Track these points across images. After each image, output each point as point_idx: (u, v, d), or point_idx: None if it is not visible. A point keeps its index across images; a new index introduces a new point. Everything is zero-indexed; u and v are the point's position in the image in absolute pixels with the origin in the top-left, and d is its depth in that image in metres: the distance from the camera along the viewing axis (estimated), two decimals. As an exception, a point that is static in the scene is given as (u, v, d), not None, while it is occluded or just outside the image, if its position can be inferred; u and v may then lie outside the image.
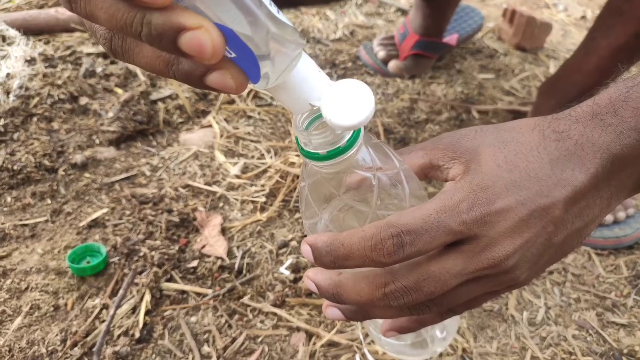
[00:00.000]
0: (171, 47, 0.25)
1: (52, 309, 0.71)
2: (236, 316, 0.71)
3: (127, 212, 0.85)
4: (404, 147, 0.40)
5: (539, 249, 0.34)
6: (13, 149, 0.94)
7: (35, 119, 1.00)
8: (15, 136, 0.97)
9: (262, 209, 0.87)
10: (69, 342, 0.67)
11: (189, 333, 0.69)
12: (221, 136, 1.02)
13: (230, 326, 0.70)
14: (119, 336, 0.68)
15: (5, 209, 0.87)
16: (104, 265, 0.76)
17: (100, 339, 0.67)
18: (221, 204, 0.88)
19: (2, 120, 0.98)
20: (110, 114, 1.03)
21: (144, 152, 0.99)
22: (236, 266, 0.77)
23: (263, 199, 0.88)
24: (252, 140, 1.02)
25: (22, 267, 0.77)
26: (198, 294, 0.74)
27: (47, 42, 1.19)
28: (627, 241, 0.81)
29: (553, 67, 1.29)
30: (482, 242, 0.33)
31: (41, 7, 1.32)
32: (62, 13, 1.23)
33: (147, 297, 0.72)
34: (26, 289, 0.74)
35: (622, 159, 0.34)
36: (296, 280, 0.75)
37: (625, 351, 0.68)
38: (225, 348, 0.67)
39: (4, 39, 1.17)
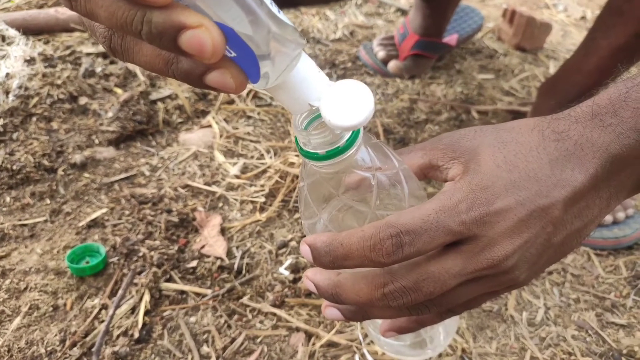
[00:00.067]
0: (171, 46, 0.25)
1: (51, 309, 0.71)
2: (235, 316, 0.71)
3: (127, 212, 0.85)
4: (403, 147, 0.40)
5: (538, 249, 0.34)
6: (12, 148, 0.94)
7: (34, 118, 1.00)
8: (14, 136, 0.97)
9: (262, 209, 0.87)
10: (68, 342, 0.67)
11: (188, 333, 0.69)
12: (221, 136, 1.02)
13: (229, 326, 0.70)
14: (118, 336, 0.68)
15: (4, 209, 0.86)
16: (103, 266, 0.76)
17: (99, 339, 0.66)
18: (220, 204, 0.88)
19: (2, 120, 0.98)
20: (110, 114, 1.03)
21: (143, 152, 0.99)
22: (235, 266, 0.77)
23: (262, 199, 0.88)
24: (251, 141, 1.01)
25: (21, 267, 0.77)
26: (197, 294, 0.74)
27: (46, 42, 1.19)
28: (627, 242, 0.81)
29: (553, 68, 1.29)
30: (482, 242, 0.33)
31: (41, 7, 1.32)
32: (62, 13, 1.23)
33: (147, 297, 0.72)
34: (25, 289, 0.74)
35: (622, 160, 0.34)
36: (295, 281, 0.75)
37: (624, 352, 0.67)
38: (224, 348, 0.67)
39: (3, 38, 1.17)
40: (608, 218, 0.82)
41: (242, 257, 0.79)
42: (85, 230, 0.83)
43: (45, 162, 0.93)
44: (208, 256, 0.79)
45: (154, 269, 0.75)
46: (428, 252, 0.33)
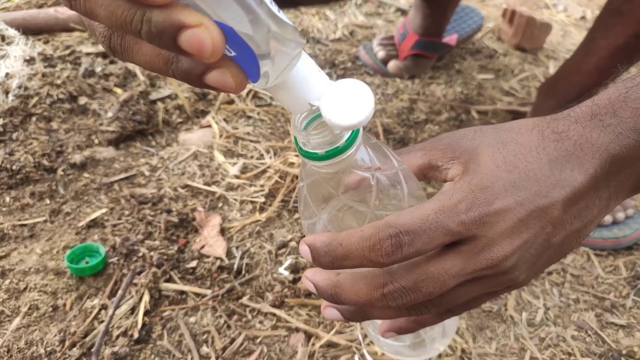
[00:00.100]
0: (171, 45, 0.25)
1: (50, 309, 0.71)
2: (235, 317, 0.71)
3: (126, 212, 0.85)
4: (403, 147, 0.40)
5: (538, 249, 0.34)
6: (12, 148, 0.94)
7: (34, 118, 1.00)
8: (14, 136, 0.97)
9: (262, 209, 0.87)
10: (67, 343, 0.67)
11: (187, 333, 0.69)
12: (220, 136, 1.02)
13: (229, 327, 0.70)
14: (117, 337, 0.68)
15: (4, 209, 0.86)
16: (102, 266, 0.76)
17: (99, 340, 0.66)
18: (220, 204, 0.88)
19: (1, 120, 0.98)
20: (110, 114, 1.03)
21: (143, 152, 0.99)
22: (235, 266, 0.77)
23: (262, 199, 0.88)
24: (251, 141, 1.01)
25: (20, 267, 0.77)
26: (197, 295, 0.74)
27: (46, 42, 1.19)
28: (626, 242, 0.81)
29: (552, 68, 1.29)
30: (481, 242, 0.33)
31: (40, 6, 1.32)
32: (62, 12, 1.23)
33: (146, 297, 0.72)
34: (25, 289, 0.74)
35: (621, 160, 0.34)
36: (295, 281, 0.75)
37: (624, 352, 0.67)
38: (224, 348, 0.67)
39: (3, 38, 1.17)
40: (608, 218, 0.82)
41: (241, 258, 0.79)
42: (84, 231, 0.83)
43: (45, 162, 0.93)
44: (208, 256, 0.79)
45: (154, 269, 0.75)
46: (427, 252, 0.33)
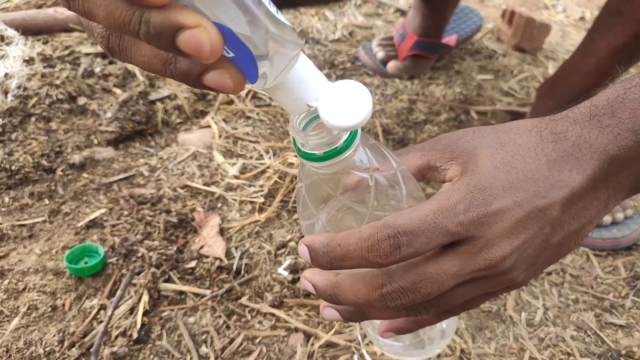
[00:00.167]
0: (169, 46, 0.25)
1: (49, 309, 0.71)
2: (234, 317, 0.71)
3: (125, 213, 0.85)
4: (402, 147, 0.40)
5: (536, 250, 0.34)
6: (11, 149, 0.94)
7: (33, 119, 1.00)
8: (13, 136, 0.97)
9: (261, 210, 0.87)
10: (66, 343, 0.67)
11: (187, 334, 0.69)
12: (220, 136, 1.02)
13: (228, 327, 0.70)
14: (116, 337, 0.68)
15: (3, 209, 0.86)
16: (101, 266, 0.76)
17: (98, 340, 0.66)
18: (220, 205, 0.88)
19: (0, 120, 0.98)
20: (109, 114, 1.03)
21: (142, 152, 0.99)
22: (234, 267, 0.77)
23: (261, 200, 0.88)
24: (250, 141, 1.01)
25: (19, 267, 0.77)
26: (196, 295, 0.74)
27: (45, 42, 1.19)
28: (626, 242, 0.81)
29: (552, 68, 1.29)
30: (479, 243, 0.33)
31: (40, 6, 1.32)
32: (61, 13, 1.23)
33: (145, 297, 0.72)
34: (24, 289, 0.74)
35: (620, 161, 0.34)
36: (294, 281, 0.75)
37: (623, 352, 0.68)
38: (223, 349, 0.67)
39: (2, 38, 1.17)
40: (607, 219, 0.82)
41: (241, 258, 0.79)
42: (84, 231, 0.83)
43: (44, 163, 0.93)
44: (207, 256, 0.79)
45: (153, 269, 0.75)
46: (426, 252, 0.33)
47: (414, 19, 1.19)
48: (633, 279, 0.77)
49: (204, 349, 0.67)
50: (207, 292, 0.74)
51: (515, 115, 1.10)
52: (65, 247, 0.80)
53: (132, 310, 0.71)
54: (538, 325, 0.71)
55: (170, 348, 0.67)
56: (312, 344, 0.67)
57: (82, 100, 1.06)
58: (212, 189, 0.90)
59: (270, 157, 0.97)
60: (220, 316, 0.71)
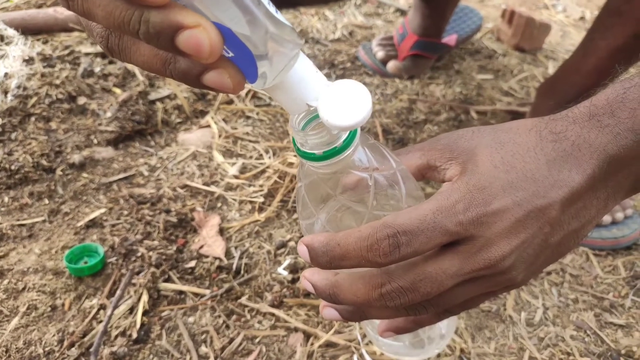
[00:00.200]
0: (169, 46, 0.25)
1: (49, 309, 0.71)
2: (234, 316, 0.71)
3: (125, 212, 0.85)
4: (402, 147, 0.40)
5: (536, 249, 0.34)
6: (11, 148, 0.94)
7: (33, 118, 1.00)
8: (13, 136, 0.97)
9: (260, 209, 0.87)
10: (66, 343, 0.67)
11: (186, 333, 0.69)
12: (219, 136, 1.02)
13: (227, 327, 0.70)
14: (116, 336, 0.68)
15: (2, 208, 0.86)
16: (101, 266, 0.76)
17: (97, 340, 0.66)
18: (219, 204, 0.88)
19: (0, 120, 0.98)
20: (109, 114, 1.03)
21: (142, 152, 0.99)
22: (234, 266, 0.77)
23: (261, 199, 0.88)
24: (250, 141, 1.01)
25: (19, 267, 0.77)
26: (196, 295, 0.74)
27: (45, 42, 1.19)
28: (625, 242, 0.81)
29: (552, 68, 1.29)
30: (479, 242, 0.33)
31: (40, 6, 1.32)
32: (61, 13, 1.23)
33: (145, 297, 0.72)
34: (23, 289, 0.74)
35: (619, 160, 0.34)
36: (294, 281, 0.75)
37: (622, 352, 0.68)
38: (222, 348, 0.67)
39: (2, 38, 1.17)
40: (607, 218, 0.82)
41: (240, 257, 0.79)
42: (83, 231, 0.83)
43: (44, 162, 0.93)
44: (206, 256, 0.79)
45: (153, 269, 0.75)
46: (425, 252, 0.33)
47: (413, 19, 1.19)
48: (633, 278, 0.77)
49: (203, 349, 0.67)
50: (207, 291, 0.74)
51: (515, 115, 1.10)
52: (64, 246, 0.80)
53: (131, 310, 0.71)
54: (538, 325, 0.71)
55: (169, 348, 0.67)
56: (312, 344, 0.67)
57: (81, 100, 1.06)
58: (212, 188, 0.90)
59: (270, 157, 0.97)
60: (219, 316, 0.71)
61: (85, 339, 0.68)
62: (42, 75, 1.07)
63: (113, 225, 0.83)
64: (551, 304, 0.74)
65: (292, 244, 0.81)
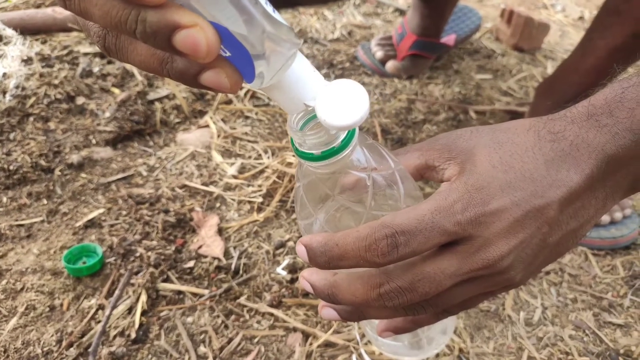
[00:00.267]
0: (165, 45, 0.25)
1: (47, 309, 0.71)
2: (233, 316, 0.71)
3: (124, 213, 0.85)
4: (401, 147, 0.40)
5: (534, 249, 0.34)
6: (9, 148, 0.94)
7: (31, 118, 1.00)
8: (11, 136, 0.97)
9: (259, 210, 0.87)
10: (64, 343, 0.67)
11: (185, 333, 0.69)
12: (218, 136, 1.02)
13: (226, 326, 0.70)
14: (115, 337, 0.68)
15: (1, 209, 0.86)
16: (100, 266, 0.76)
17: (96, 340, 0.66)
18: (218, 204, 0.88)
19: (-1, 120, 0.98)
20: (107, 114, 1.03)
21: (140, 152, 0.99)
22: (233, 266, 0.77)
23: (260, 199, 0.88)
24: (249, 141, 1.01)
25: (17, 267, 0.77)
26: (194, 295, 0.74)
27: (44, 42, 1.19)
28: (624, 241, 0.81)
29: (550, 68, 1.29)
30: (477, 242, 0.33)
31: (38, 6, 1.32)
32: (60, 13, 1.23)
33: (143, 297, 0.72)
34: (22, 289, 0.74)
35: (617, 160, 0.34)
36: (293, 281, 0.75)
37: (621, 351, 0.68)
38: (221, 348, 0.67)
39: (0, 38, 1.16)
40: (605, 218, 0.82)
41: (239, 257, 0.79)
42: (82, 231, 0.82)
43: (42, 162, 0.93)
44: (205, 256, 0.79)
45: (151, 269, 0.75)
46: (423, 252, 0.33)
47: (412, 19, 1.19)
48: (631, 278, 0.77)
49: (202, 349, 0.67)
50: (206, 291, 0.73)
51: (514, 115, 1.10)
52: (63, 247, 0.80)
53: (130, 310, 0.71)
54: (536, 325, 0.71)
55: (168, 348, 0.67)
56: (311, 344, 0.67)
57: (80, 100, 1.06)
58: (211, 188, 0.90)
59: (268, 157, 0.97)
60: (218, 316, 0.71)
61: (84, 339, 0.68)
62: (41, 75, 1.07)
63: (112, 226, 0.83)
64: (550, 303, 0.74)
65: (290, 244, 0.81)
